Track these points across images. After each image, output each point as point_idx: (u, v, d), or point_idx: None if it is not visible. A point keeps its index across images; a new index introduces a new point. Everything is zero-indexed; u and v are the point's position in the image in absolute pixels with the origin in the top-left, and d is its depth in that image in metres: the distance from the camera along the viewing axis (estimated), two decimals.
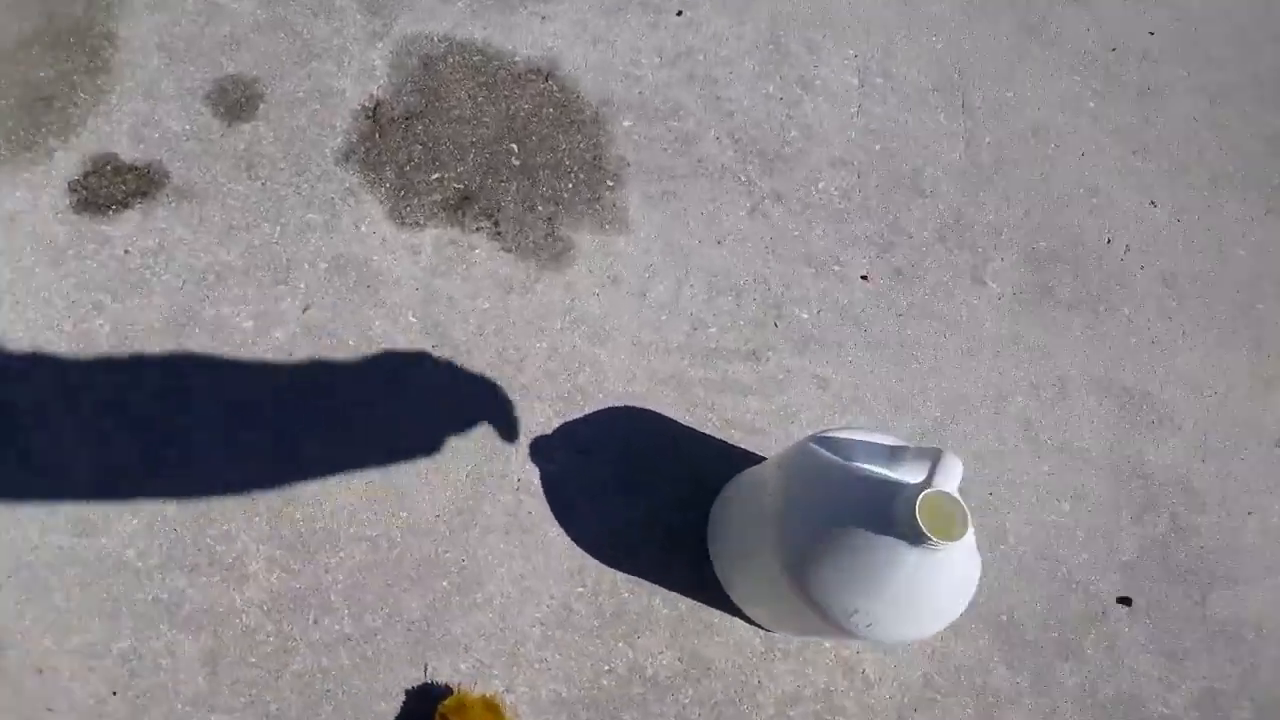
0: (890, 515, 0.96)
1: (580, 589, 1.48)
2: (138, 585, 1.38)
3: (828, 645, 1.49)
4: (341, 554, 1.44)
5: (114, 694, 1.34)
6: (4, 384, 1.43)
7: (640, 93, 1.72)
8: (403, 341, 1.53)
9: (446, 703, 1.36)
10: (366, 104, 1.62)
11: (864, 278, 1.73)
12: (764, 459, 1.60)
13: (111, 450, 1.42)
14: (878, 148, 1.78)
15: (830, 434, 1.17)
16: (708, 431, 1.59)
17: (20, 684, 1.32)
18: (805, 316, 1.68)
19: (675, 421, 1.58)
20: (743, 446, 1.59)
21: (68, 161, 1.52)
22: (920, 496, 0.92)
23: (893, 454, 1.08)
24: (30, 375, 1.44)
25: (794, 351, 1.66)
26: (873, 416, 1.65)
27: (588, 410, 1.57)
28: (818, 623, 1.12)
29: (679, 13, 1.77)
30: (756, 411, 1.62)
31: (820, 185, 1.74)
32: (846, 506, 1.02)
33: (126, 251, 1.50)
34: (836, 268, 1.72)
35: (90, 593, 1.37)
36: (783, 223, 1.71)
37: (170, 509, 1.42)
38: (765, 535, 1.17)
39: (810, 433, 1.23)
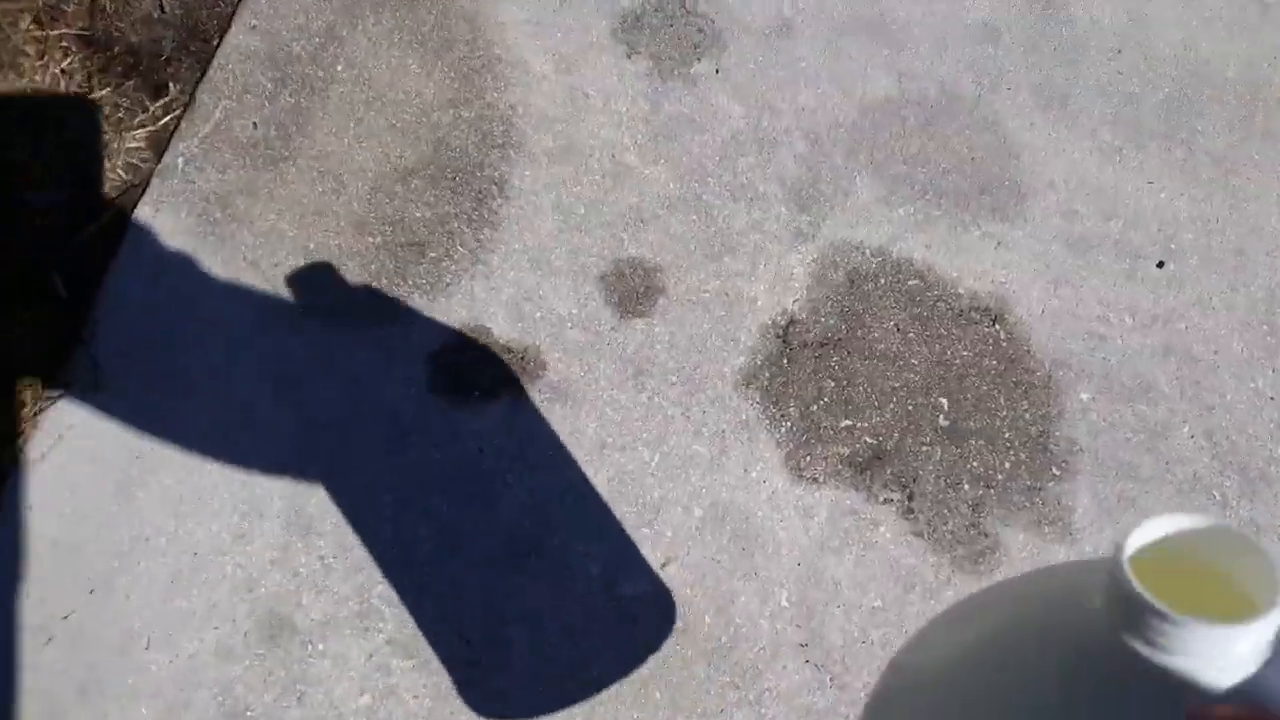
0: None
1: None
2: None
3: None
4: None
5: None
6: (296, 590, 1.16)
7: (1105, 359, 1.34)
8: (768, 631, 1.19)
9: None
10: (779, 319, 1.30)
11: None
12: None
13: (401, 698, 1.13)
14: None
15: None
16: None
17: None
18: None
19: None
20: None
21: (430, 327, 1.26)
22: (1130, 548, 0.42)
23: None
24: (328, 585, 1.17)
25: None
26: None
27: None
28: None
29: (1160, 264, 1.39)
30: None
31: None
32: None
33: (481, 450, 1.22)
34: None
35: None
36: None
37: None
38: None
39: None
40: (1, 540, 1.14)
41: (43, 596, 1.13)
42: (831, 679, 1.19)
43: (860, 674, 1.19)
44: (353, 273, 1.25)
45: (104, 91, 1.30)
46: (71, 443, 1.18)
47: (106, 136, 1.29)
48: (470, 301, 1.26)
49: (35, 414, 1.19)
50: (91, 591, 1.14)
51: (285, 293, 1.23)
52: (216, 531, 1.17)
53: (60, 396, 1.19)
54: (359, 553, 1.18)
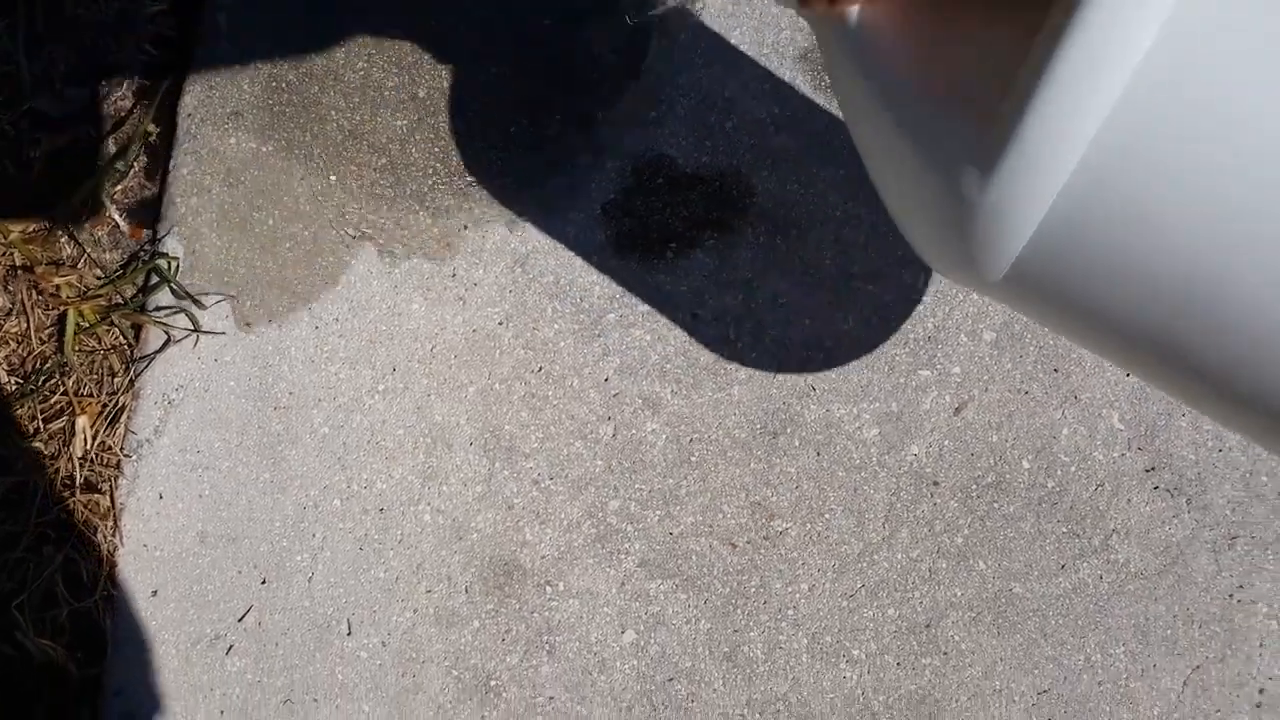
0: None
1: None
2: None
3: None
4: None
5: None
6: (515, 527, 0.87)
7: None
8: (1103, 463, 0.90)
9: None
10: None
11: None
12: None
13: None
14: None
15: None
16: None
17: None
18: None
19: None
20: None
21: (597, 171, 0.92)
22: None
23: None
24: (552, 513, 0.88)
25: None
26: None
27: None
28: None
29: None
30: None
31: None
32: None
33: (695, 316, 0.91)
34: None
35: None
36: None
37: None
38: None
39: None
40: (137, 540, 0.86)
41: (207, 601, 0.85)
42: (1189, 502, 0.90)
43: (1221, 488, 0.90)
44: (483, 119, 0.90)
45: None
46: (186, 407, 0.87)
47: (116, 4, 0.92)
48: (640, 127, 0.91)
49: (130, 381, 0.88)
50: (264, 582, 0.86)
51: (403, 165, 0.89)
52: (400, 477, 0.87)
53: (158, 353, 0.88)
54: (579, 467, 0.88)
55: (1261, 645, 0.88)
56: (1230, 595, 0.89)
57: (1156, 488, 0.90)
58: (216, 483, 0.85)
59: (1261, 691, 0.88)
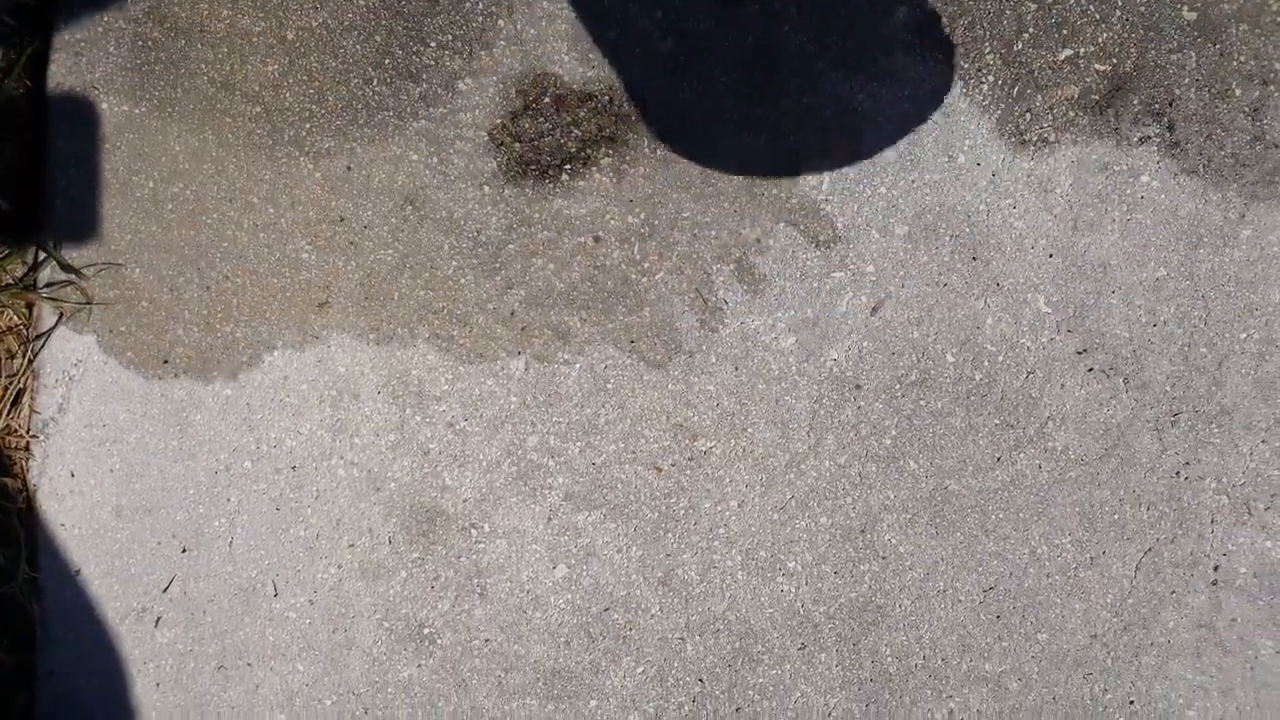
0: None
1: None
2: None
3: None
4: (951, 703, 0.84)
5: None
6: (433, 472, 0.84)
7: None
8: (1032, 349, 0.85)
9: None
10: None
11: None
12: None
13: None
14: None
15: None
16: None
17: None
18: None
19: None
20: None
21: (479, 97, 0.87)
22: None
23: None
24: (469, 454, 0.85)
25: None
26: None
27: None
28: None
29: None
30: None
31: None
32: None
33: (598, 240, 0.87)
34: None
35: None
36: None
37: None
38: None
39: None
40: (54, 520, 0.84)
41: (130, 575, 0.84)
42: (1126, 381, 0.86)
43: (1159, 364, 0.85)
44: (355, 55, 0.85)
45: None
46: (87, 381, 0.85)
47: None
48: (519, 45, 0.86)
49: (29, 361, 0.85)
50: (185, 550, 0.84)
51: (278, 111, 0.85)
52: (309, 433, 0.85)
53: (53, 330, 0.85)
54: (493, 405, 0.85)
55: (1213, 522, 0.85)
56: (1177, 473, 0.85)
57: (1091, 370, 0.85)
58: (126, 455, 0.83)
59: (1216, 569, 0.85)
